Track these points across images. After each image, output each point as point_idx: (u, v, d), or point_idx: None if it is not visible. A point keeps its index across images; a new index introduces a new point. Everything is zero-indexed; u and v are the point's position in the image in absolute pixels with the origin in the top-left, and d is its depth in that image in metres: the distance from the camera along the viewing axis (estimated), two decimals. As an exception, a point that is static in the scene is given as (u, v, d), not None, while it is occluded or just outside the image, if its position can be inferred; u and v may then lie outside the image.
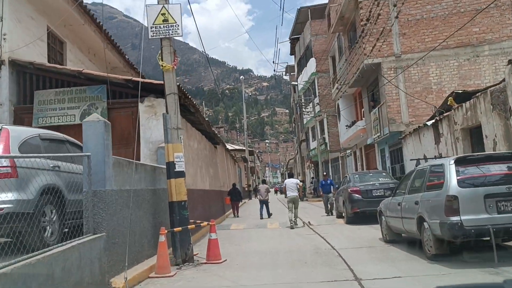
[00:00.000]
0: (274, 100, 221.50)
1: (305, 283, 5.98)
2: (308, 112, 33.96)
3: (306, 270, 6.92)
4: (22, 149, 5.70)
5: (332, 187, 17.58)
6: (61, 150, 6.62)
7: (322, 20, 30.92)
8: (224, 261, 7.94)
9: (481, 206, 6.05)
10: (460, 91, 12.78)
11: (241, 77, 57.88)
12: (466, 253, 6.55)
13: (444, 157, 11.18)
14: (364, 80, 20.04)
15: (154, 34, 8.19)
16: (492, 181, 6.27)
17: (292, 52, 43.33)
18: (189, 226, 7.79)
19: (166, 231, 7.10)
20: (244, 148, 48.25)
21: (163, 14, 8.09)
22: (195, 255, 8.76)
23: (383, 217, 9.17)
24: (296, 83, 38.81)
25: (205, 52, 13.75)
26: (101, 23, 13.57)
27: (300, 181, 18.48)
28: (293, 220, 13.80)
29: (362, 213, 13.16)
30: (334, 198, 16.85)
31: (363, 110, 22.28)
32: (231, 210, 21.01)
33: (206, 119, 14.14)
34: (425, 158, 13.26)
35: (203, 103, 71.42)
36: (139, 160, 9.46)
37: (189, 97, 10.81)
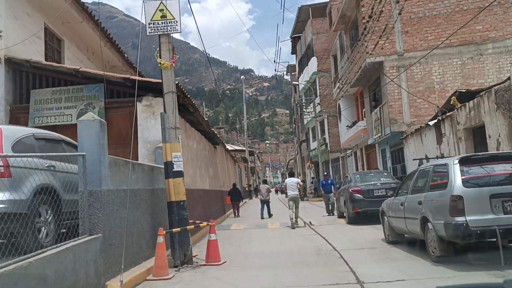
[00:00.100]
0: (274, 101, 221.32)
1: (306, 287, 5.83)
2: (308, 112, 33.80)
3: (307, 272, 6.76)
4: (16, 149, 5.57)
5: (333, 186, 17.42)
6: (56, 149, 6.49)
7: (324, 19, 30.72)
8: (224, 262, 7.78)
9: (486, 206, 5.88)
10: (464, 90, 12.61)
11: (242, 77, 57.80)
12: (472, 255, 6.38)
13: (447, 157, 11.03)
14: (365, 79, 19.88)
15: (152, 31, 8.03)
16: (497, 181, 6.10)
17: (293, 51, 43.15)
18: (188, 227, 7.63)
19: (164, 232, 6.94)
20: (244, 148, 48.12)
21: (161, 10, 7.93)
22: (194, 256, 8.61)
23: (385, 217, 9.01)
24: (297, 82, 38.64)
25: (205, 52, 13.59)
26: (99, 21, 13.42)
27: (301, 181, 18.36)
28: (294, 219, 13.77)
29: (363, 213, 13.03)
30: (335, 198, 16.71)
31: (364, 110, 22.11)
32: (231, 210, 20.88)
33: (206, 119, 13.98)
34: (427, 158, 13.10)
35: (203, 104, 71.40)
36: (137, 160, 9.32)
37: (188, 96, 10.66)
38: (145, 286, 6.38)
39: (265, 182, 21.12)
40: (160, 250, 6.76)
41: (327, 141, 32.40)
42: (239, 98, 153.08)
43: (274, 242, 10.59)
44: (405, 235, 8.41)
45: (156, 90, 9.60)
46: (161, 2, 7.96)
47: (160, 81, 8.38)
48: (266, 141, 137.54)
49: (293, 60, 47.03)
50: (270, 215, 17.77)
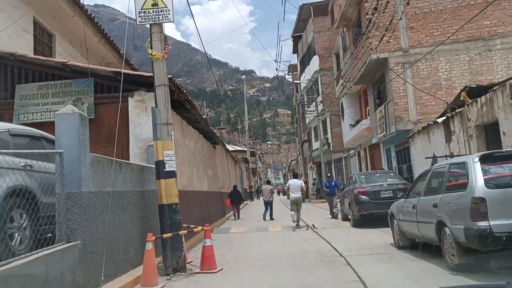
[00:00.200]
0: (276, 101, 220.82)
1: (310, 299, 5.22)
2: (311, 111, 33.19)
3: (311, 281, 6.14)
4: (-14, 146, 4.97)
5: (336, 188, 16.75)
6: (35, 147, 5.88)
7: (325, 17, 30.13)
8: (220, 270, 7.16)
9: (512, 209, 5.25)
10: (474, 86, 12.01)
11: (243, 76, 57.22)
12: (495, 263, 5.71)
13: (456, 155, 10.41)
14: (369, 76, 19.26)
15: (143, 20, 7.43)
16: (524, 181, 5.46)
17: (295, 51, 42.55)
18: (180, 232, 7.00)
19: (153, 237, 6.31)
20: (245, 149, 47.49)
21: (152, -3, 7.33)
22: (189, 262, 8.00)
23: (395, 220, 8.38)
24: (298, 81, 38.01)
25: (205, 53, 13.05)
26: (92, 15, 12.84)
27: (303, 182, 17.85)
28: (296, 221, 13.48)
29: (369, 215, 12.43)
30: (339, 200, 16.08)
31: (368, 108, 21.50)
32: (232, 212, 20.28)
33: (204, 117, 13.38)
34: (434, 157, 12.52)
35: (204, 104, 70.83)
36: (129, 160, 8.72)
37: (184, 91, 10.05)
38: (131, 297, 5.78)
39: (268, 182, 20.55)
40: (148, 257, 6.14)
41: (330, 141, 31.79)
42: (240, 98, 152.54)
43: (275, 247, 9.96)
44: (417, 240, 7.79)
45: (149, 84, 8.97)
46: (152, -13, 7.35)
47: (152, 74, 7.76)
48: (268, 142, 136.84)
49: (294, 60, 46.46)
50: (271, 218, 17.27)
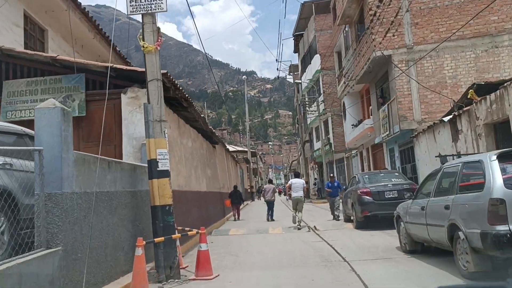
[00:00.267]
0: (277, 103, 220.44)
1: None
2: (312, 111, 32.72)
3: (314, 290, 5.69)
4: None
5: (339, 189, 16.28)
6: (17, 145, 5.44)
7: (327, 15, 29.65)
8: (216, 276, 6.71)
9: (534, 212, 4.80)
10: (483, 83, 11.55)
11: (244, 76, 56.77)
12: (515, 271, 5.28)
13: (471, 154, 9.93)
14: (372, 75, 18.80)
15: (134, 10, 6.98)
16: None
17: (296, 50, 42.10)
18: (173, 236, 6.54)
19: (144, 242, 5.85)
20: (246, 149, 47.03)
21: (143, -16, 6.89)
22: (184, 268, 7.56)
23: (401, 223, 7.93)
24: (299, 81, 37.54)
25: (205, 53, 12.64)
26: (86, 10, 12.41)
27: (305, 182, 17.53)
28: (298, 221, 13.32)
29: (373, 217, 11.99)
30: (341, 201, 15.63)
31: (370, 107, 21.04)
32: (231, 213, 19.84)
33: (202, 115, 12.92)
34: (444, 156, 12.07)
35: (205, 105, 70.45)
36: (122, 159, 8.28)
37: (180, 88, 9.60)
38: (119, 307, 5.33)
39: (270, 182, 20.17)
40: (138, 264, 5.69)
41: (331, 141, 31.32)
42: (241, 100, 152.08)
43: (275, 251, 9.49)
44: (425, 244, 7.34)
45: (143, 81, 8.51)
46: (143, -26, 6.91)
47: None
48: (269, 143, 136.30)
49: (295, 60, 46.02)
50: (272, 219, 16.92)
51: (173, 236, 6.52)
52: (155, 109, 6.86)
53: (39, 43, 11.66)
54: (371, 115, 20.72)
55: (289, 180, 15.32)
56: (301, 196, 13.69)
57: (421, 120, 16.07)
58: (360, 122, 22.94)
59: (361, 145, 24.76)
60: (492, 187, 4.99)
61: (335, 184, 16.37)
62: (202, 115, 12.92)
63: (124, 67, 8.86)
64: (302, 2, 33.76)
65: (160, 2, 6.91)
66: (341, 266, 7.07)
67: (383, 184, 12.45)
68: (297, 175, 15.51)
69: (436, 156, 11.15)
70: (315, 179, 38.69)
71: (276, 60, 68.59)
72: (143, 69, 8.13)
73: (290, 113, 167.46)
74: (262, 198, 25.72)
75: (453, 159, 8.08)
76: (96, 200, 5.53)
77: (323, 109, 31.02)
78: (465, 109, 11.50)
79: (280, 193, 57.52)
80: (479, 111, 10.64)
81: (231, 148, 37.36)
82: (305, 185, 14.30)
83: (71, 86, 8.80)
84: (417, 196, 7.41)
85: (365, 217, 12.10)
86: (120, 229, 6.36)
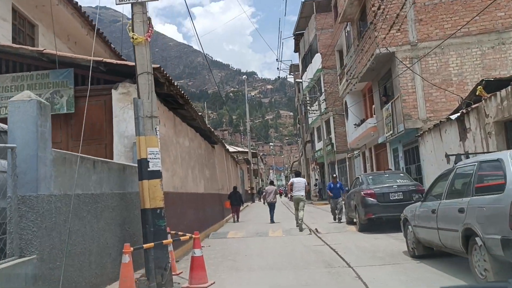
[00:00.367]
0: (278, 103, 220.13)
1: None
2: (313, 111, 32.23)
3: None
4: None
5: (341, 191, 15.80)
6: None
7: (327, 13, 29.22)
8: (211, 284, 6.23)
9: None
10: (492, 79, 11.06)
11: (244, 77, 56.30)
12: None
13: (480, 153, 9.45)
14: (375, 73, 18.33)
15: (123, -1, 6.52)
16: None
17: (296, 49, 41.64)
18: (164, 242, 6.06)
19: (131, 248, 5.37)
20: (246, 150, 46.53)
21: (132, -29, 6.42)
22: (178, 274, 7.10)
23: (409, 226, 7.44)
24: (300, 80, 37.07)
25: (205, 54, 12.19)
26: (78, 4, 11.96)
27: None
28: (299, 221, 13.07)
29: (377, 219, 11.52)
30: (343, 203, 15.15)
31: (373, 106, 20.55)
32: (231, 215, 19.36)
33: (200, 114, 12.44)
34: (447, 155, 11.62)
35: (206, 105, 70.00)
36: (112, 159, 7.81)
37: (176, 84, 9.13)
38: (103, 321, 4.86)
39: (272, 183, 19.68)
40: (126, 272, 5.20)
41: (333, 141, 30.84)
42: (242, 100, 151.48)
43: (275, 255, 9.00)
44: (434, 249, 6.86)
45: (134, 75, 8.08)
46: (131, -41, 6.44)
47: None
48: (270, 143, 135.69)
49: (296, 60, 45.54)
50: (272, 221, 16.46)
51: (164, 241, 6.04)
52: (145, 104, 6.39)
53: (29, 38, 11.22)
54: (374, 114, 20.24)
55: (291, 179, 14.91)
56: (302, 196, 13.46)
57: (426, 119, 15.60)
58: (362, 121, 22.46)
59: (363, 145, 24.29)
60: (514, 188, 4.51)
61: (338, 185, 15.89)
62: (200, 114, 12.45)
63: (114, 61, 8.40)
64: (303, 0, 33.30)
65: (151, -10, 6.44)
66: (345, 273, 6.59)
67: (387, 185, 11.96)
68: (298, 174, 15.09)
69: (449, 155, 10.65)
70: (316, 179, 38.21)
71: (277, 59, 68.18)
72: (134, 64, 7.68)
73: (291, 113, 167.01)
74: (262, 200, 25.27)
75: (462, 159, 7.59)
76: (79, 203, 5.07)
77: (325, 108, 30.55)
78: (473, 106, 11.03)
79: (281, 194, 57.01)
80: (488, 108, 10.17)
81: (231, 149, 36.88)
82: (306, 185, 14.06)
83: (59, 81, 8.34)
84: (427, 198, 6.93)
85: (369, 219, 11.63)
86: (107, 234, 5.88)
